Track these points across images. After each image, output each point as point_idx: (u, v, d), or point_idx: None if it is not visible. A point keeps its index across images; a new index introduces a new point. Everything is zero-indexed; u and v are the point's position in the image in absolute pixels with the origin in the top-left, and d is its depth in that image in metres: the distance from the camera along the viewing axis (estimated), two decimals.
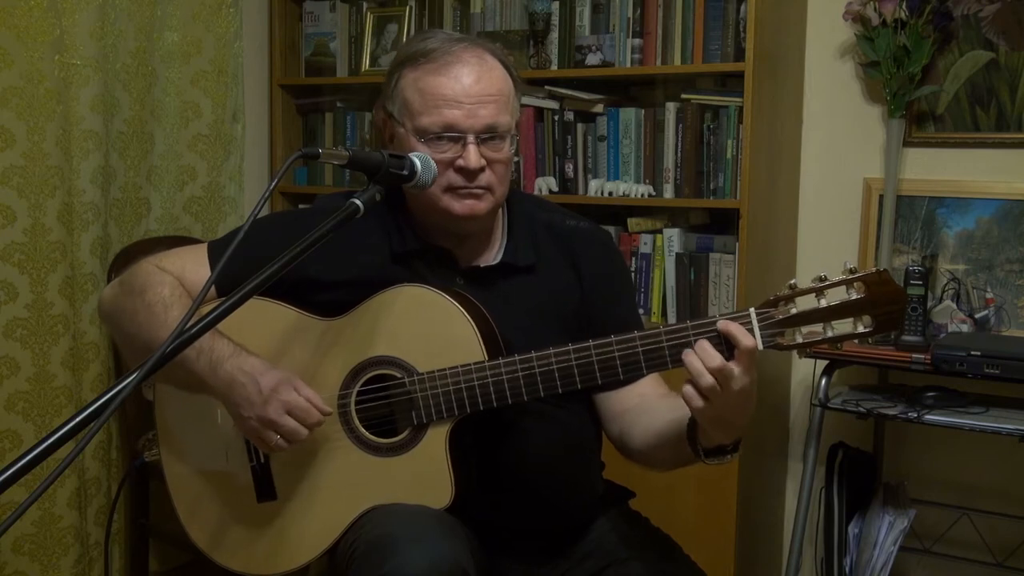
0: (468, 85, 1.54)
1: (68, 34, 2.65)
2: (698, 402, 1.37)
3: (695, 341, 1.40)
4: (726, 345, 1.38)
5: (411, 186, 1.51)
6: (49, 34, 2.60)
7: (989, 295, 2.66)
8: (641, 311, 2.85)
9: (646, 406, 1.61)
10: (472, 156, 1.54)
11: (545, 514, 1.64)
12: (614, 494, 1.76)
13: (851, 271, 1.38)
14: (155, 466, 1.74)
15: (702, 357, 1.37)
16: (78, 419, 1.08)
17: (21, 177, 2.59)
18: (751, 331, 1.39)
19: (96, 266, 2.76)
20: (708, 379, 1.35)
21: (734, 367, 1.36)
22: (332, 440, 1.58)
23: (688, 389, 1.37)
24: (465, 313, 1.53)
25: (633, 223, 2.88)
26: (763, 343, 1.40)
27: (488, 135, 1.56)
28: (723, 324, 1.39)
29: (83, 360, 2.75)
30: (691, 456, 1.48)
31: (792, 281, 1.42)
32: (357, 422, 1.58)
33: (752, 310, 1.41)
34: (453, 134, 1.54)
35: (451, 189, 1.56)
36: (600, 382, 1.49)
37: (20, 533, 2.64)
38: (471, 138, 1.54)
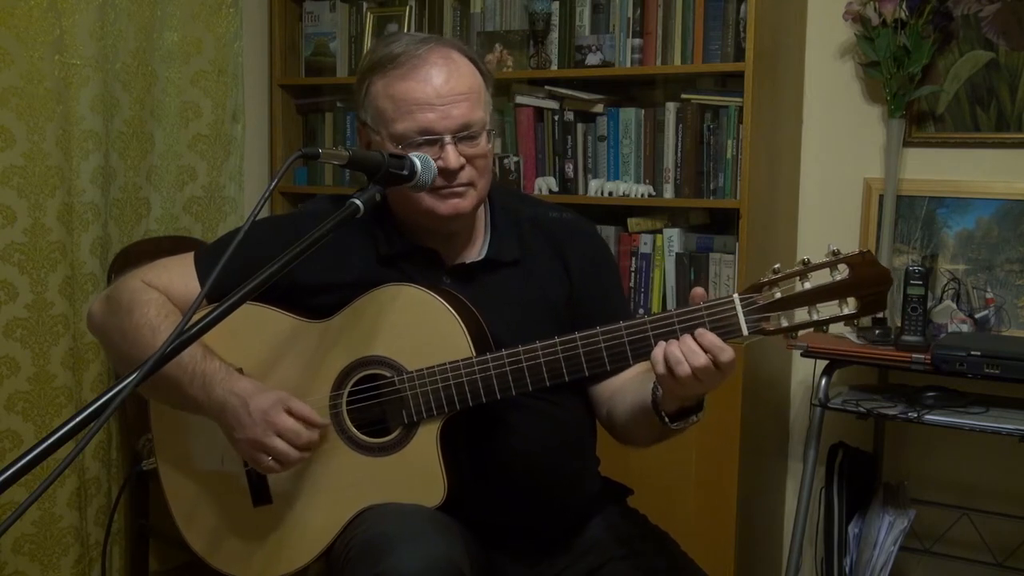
0: (438, 86, 1.54)
1: (68, 34, 2.65)
2: (669, 381, 1.40)
3: (680, 331, 1.41)
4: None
5: (411, 186, 1.51)
6: (49, 34, 2.60)
7: (989, 295, 2.66)
8: (641, 311, 2.85)
9: (627, 385, 1.62)
10: (451, 156, 1.54)
11: (540, 511, 1.64)
12: (611, 491, 1.76)
13: (834, 253, 1.38)
14: (154, 473, 1.74)
15: (686, 355, 1.38)
16: (78, 419, 1.08)
17: (21, 177, 2.59)
18: (735, 317, 1.40)
19: (96, 266, 2.76)
20: (686, 368, 1.38)
21: (716, 370, 1.38)
22: (325, 442, 1.58)
23: (659, 357, 1.39)
24: (452, 310, 1.53)
25: (633, 223, 2.88)
26: (748, 329, 1.40)
27: (464, 133, 1.56)
28: (704, 338, 1.39)
29: (83, 360, 2.75)
30: (660, 425, 1.50)
31: (776, 265, 1.41)
32: (349, 423, 1.58)
33: (735, 296, 1.41)
34: (429, 137, 1.54)
35: (434, 190, 1.56)
36: (587, 373, 1.50)
37: (20, 533, 2.64)
38: (448, 138, 1.54)
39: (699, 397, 1.48)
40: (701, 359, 1.37)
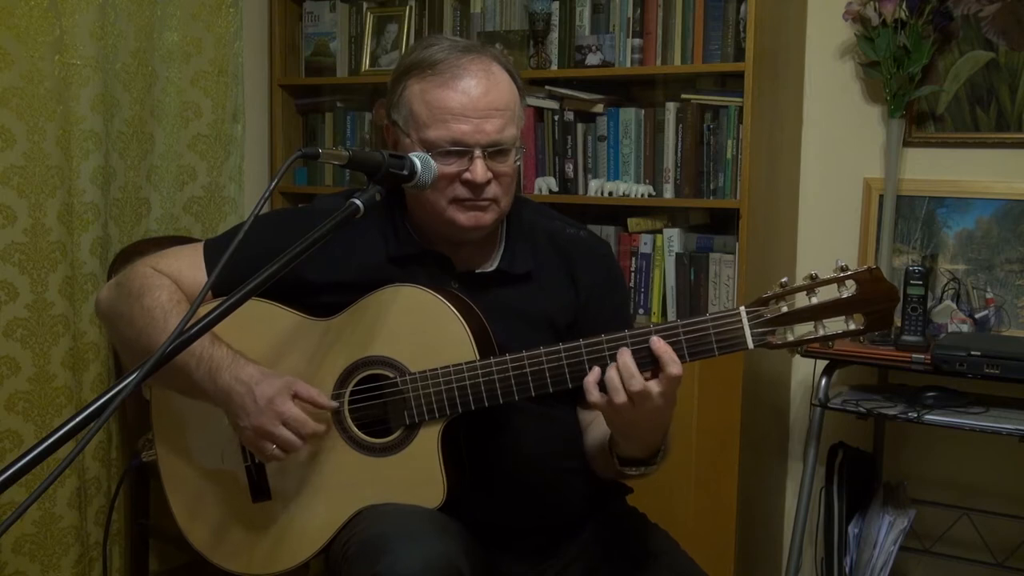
0: (475, 98, 1.54)
1: (68, 34, 2.65)
2: (604, 408, 1.42)
3: (685, 341, 1.42)
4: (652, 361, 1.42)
5: (411, 186, 1.51)
6: (49, 34, 2.60)
7: (989, 295, 2.66)
8: (641, 311, 2.85)
9: (600, 418, 1.63)
10: (479, 170, 1.54)
11: (539, 511, 1.64)
12: (610, 490, 1.76)
13: (842, 269, 1.38)
14: (153, 466, 1.74)
15: (622, 372, 1.40)
16: (78, 419, 1.08)
17: (21, 177, 2.59)
18: (741, 331, 1.40)
19: (96, 266, 2.76)
20: (622, 396, 1.40)
21: (653, 387, 1.40)
22: (326, 440, 1.58)
23: (596, 395, 1.42)
24: (457, 313, 1.53)
25: (633, 223, 2.88)
26: (753, 342, 1.41)
27: (494, 148, 1.56)
28: (656, 344, 1.41)
29: (83, 360, 2.75)
30: (615, 467, 1.55)
31: (783, 279, 1.42)
32: (350, 422, 1.59)
33: (742, 309, 1.42)
34: (460, 148, 1.54)
35: (457, 201, 1.57)
36: None
37: (20, 533, 2.64)
38: (478, 152, 1.54)
39: (652, 447, 1.51)
40: (636, 381, 1.39)
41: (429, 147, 1.55)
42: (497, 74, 1.58)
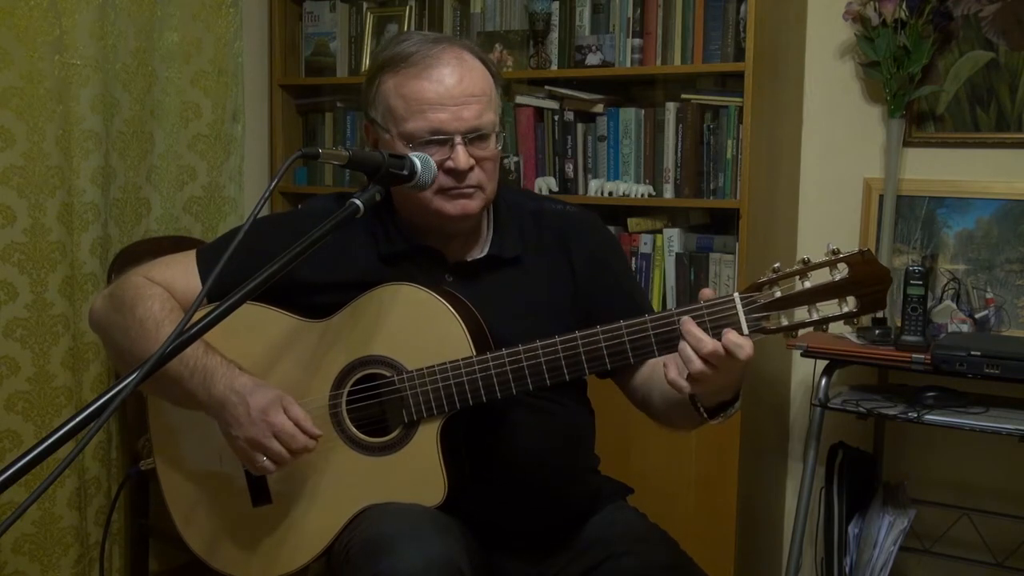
0: (451, 86, 1.54)
1: (68, 34, 2.65)
2: (690, 388, 1.41)
3: (681, 324, 1.41)
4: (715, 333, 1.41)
5: (411, 186, 1.51)
6: (49, 34, 2.60)
7: (989, 295, 2.66)
8: None
9: (659, 372, 1.59)
10: (461, 157, 1.54)
11: (539, 509, 1.64)
12: (611, 490, 1.77)
13: (834, 252, 1.38)
14: (152, 474, 1.74)
15: (694, 345, 1.38)
16: (78, 419, 1.08)
17: (21, 177, 2.59)
18: (736, 316, 1.40)
19: (96, 266, 2.76)
20: (698, 365, 1.38)
21: (729, 357, 1.38)
22: (325, 442, 1.58)
23: (674, 378, 1.40)
24: (452, 310, 1.53)
25: (633, 223, 2.88)
26: (748, 328, 1.41)
27: (474, 134, 1.56)
28: (728, 338, 1.39)
29: (83, 360, 2.75)
30: (699, 418, 1.52)
31: (776, 264, 1.42)
32: (349, 422, 1.58)
33: (736, 295, 1.42)
34: (440, 137, 1.54)
35: (442, 191, 1.56)
36: (588, 373, 1.50)
37: (20, 533, 2.64)
38: (458, 139, 1.54)
39: (735, 388, 1.49)
40: (708, 346, 1.37)
41: (409, 140, 1.55)
42: (470, 61, 1.58)
